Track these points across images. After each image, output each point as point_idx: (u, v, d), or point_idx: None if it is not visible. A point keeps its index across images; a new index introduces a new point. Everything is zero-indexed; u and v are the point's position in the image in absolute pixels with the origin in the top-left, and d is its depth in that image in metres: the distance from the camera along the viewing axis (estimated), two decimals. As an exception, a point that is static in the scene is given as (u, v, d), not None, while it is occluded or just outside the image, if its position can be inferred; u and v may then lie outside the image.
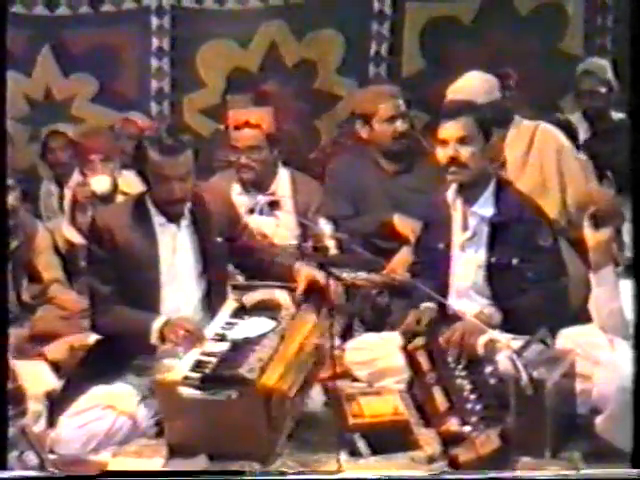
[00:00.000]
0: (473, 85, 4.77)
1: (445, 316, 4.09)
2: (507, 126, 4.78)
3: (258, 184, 5.09)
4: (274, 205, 4.86)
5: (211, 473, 3.38)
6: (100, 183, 5.25)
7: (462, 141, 4.13)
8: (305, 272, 4.03)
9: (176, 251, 4.05)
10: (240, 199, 4.83)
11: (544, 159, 4.84)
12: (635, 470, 3.18)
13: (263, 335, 3.78)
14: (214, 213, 4.12)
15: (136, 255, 3.99)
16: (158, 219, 4.05)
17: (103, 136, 5.83)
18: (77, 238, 5.26)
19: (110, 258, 3.99)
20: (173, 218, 4.05)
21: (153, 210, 4.05)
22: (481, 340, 3.82)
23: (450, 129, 4.15)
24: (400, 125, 5.02)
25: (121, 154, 5.63)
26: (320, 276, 3.88)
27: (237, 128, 5.08)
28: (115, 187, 5.31)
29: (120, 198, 5.21)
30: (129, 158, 5.36)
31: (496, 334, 3.81)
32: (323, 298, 3.89)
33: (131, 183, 5.31)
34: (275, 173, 5.17)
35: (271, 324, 3.86)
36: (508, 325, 3.98)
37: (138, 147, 4.08)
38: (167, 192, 3.95)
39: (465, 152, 4.12)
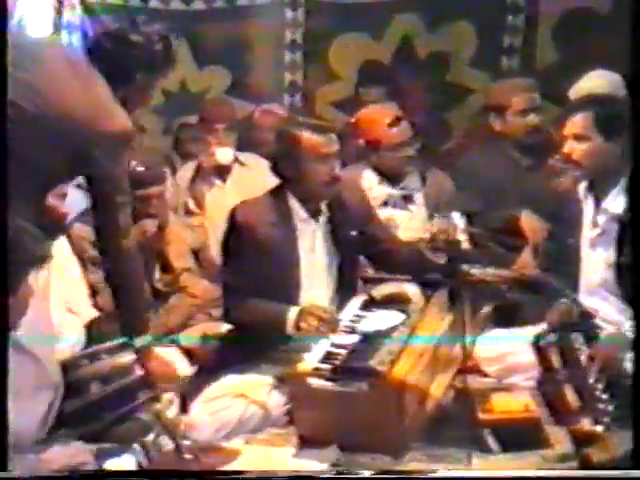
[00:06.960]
0: (596, 83, 4.70)
1: (577, 313, 4.04)
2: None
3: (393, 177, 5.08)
4: (407, 199, 4.83)
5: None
6: (225, 154, 5.39)
7: (577, 138, 4.05)
8: None
9: (315, 246, 4.09)
10: (373, 191, 4.83)
11: None
12: (635, 470, 3.09)
13: (393, 328, 3.77)
14: (349, 206, 4.14)
15: (276, 251, 4.03)
16: (299, 214, 4.08)
17: (227, 106, 5.87)
18: (192, 205, 5.38)
19: (248, 253, 4.02)
20: (314, 213, 4.08)
21: (295, 205, 4.08)
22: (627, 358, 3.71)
23: (569, 126, 4.08)
24: (534, 118, 4.98)
25: (261, 145, 5.69)
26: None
27: (391, 125, 4.97)
28: (235, 159, 5.44)
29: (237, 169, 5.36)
30: (270, 149, 5.45)
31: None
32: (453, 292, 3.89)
33: (249, 158, 5.46)
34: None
35: (401, 317, 3.86)
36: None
37: (282, 135, 4.13)
38: (315, 179, 4.00)
39: (579, 150, 4.04)
